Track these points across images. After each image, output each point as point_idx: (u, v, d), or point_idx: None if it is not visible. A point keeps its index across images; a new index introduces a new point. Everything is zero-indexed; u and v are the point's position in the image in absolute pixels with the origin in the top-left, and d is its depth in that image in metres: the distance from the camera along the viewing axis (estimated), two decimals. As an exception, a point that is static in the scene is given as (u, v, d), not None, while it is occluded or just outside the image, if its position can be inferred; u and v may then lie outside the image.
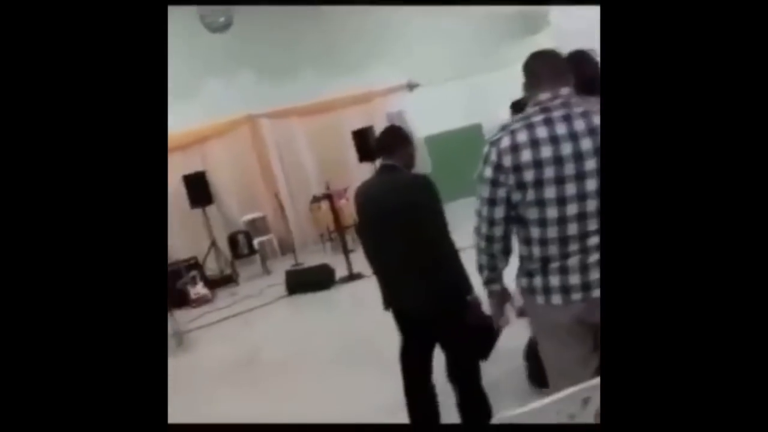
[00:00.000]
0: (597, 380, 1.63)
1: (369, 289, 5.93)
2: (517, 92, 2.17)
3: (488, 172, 1.88)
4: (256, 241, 8.32)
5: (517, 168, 1.82)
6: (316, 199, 7.24)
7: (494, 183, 1.88)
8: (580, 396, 1.63)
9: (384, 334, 4.14)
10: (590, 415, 1.63)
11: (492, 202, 1.90)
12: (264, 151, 8.97)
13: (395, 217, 2.35)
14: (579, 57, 2.40)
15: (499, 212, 1.91)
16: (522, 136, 1.83)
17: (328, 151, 9.16)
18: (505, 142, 1.85)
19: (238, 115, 8.72)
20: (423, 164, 9.11)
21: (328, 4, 8.16)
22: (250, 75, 8.70)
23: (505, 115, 3.35)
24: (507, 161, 1.83)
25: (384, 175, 2.49)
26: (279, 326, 5.52)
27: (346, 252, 6.57)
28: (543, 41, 7.64)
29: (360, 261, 6.43)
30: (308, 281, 6.37)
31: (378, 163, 2.58)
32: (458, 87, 9.25)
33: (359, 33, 8.95)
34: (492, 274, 2.04)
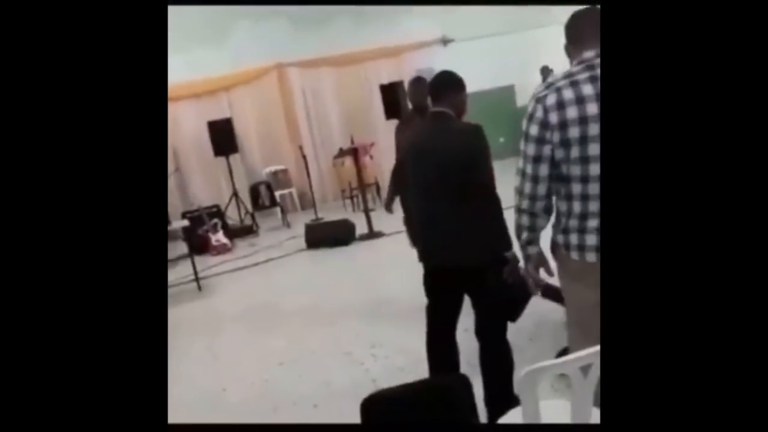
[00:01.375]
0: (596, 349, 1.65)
1: (389, 248, 5.99)
2: (551, 56, 2.16)
3: (534, 130, 1.93)
4: (277, 194, 8.40)
5: (563, 125, 1.88)
6: (340, 153, 7.22)
7: (540, 140, 1.93)
8: (578, 363, 1.65)
9: (402, 291, 4.25)
10: (591, 383, 1.66)
11: (537, 159, 1.95)
12: (290, 101, 8.96)
13: (448, 165, 2.35)
14: None
15: (544, 170, 1.96)
16: (568, 93, 1.88)
17: (355, 105, 9.11)
18: (552, 99, 1.90)
19: (266, 63, 8.68)
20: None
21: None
22: (280, 22, 8.59)
23: (536, 78, 3.31)
24: (553, 118, 1.88)
25: (436, 122, 2.47)
26: (297, 277, 5.62)
27: (367, 210, 6.60)
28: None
29: (380, 220, 6.52)
30: (328, 236, 6.43)
31: (430, 108, 2.55)
32: (493, 45, 9.04)
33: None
34: (532, 234, 2.10)
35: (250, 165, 8.82)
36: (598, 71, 1.88)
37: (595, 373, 1.58)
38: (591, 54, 1.92)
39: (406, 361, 3.19)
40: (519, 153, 1.99)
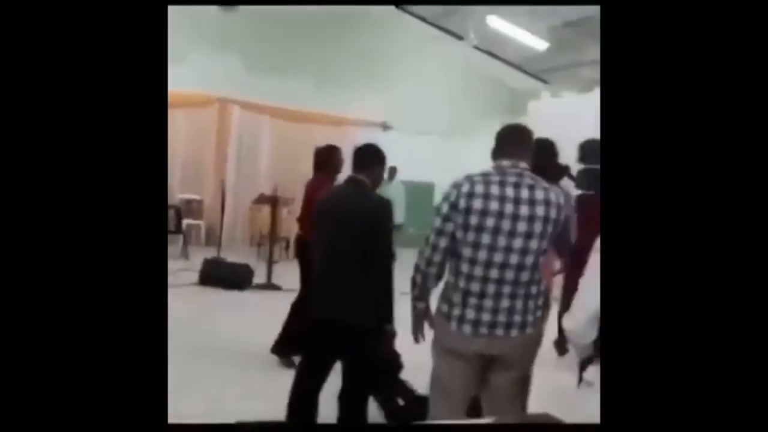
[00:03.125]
0: (478, 420, 1.73)
1: (282, 302, 5.88)
2: (479, 166, 2.40)
3: (445, 208, 2.22)
4: (184, 222, 8.12)
5: (468, 211, 2.16)
6: (260, 199, 7.15)
7: (446, 218, 2.22)
8: None
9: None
10: None
11: (440, 233, 2.23)
12: (225, 136, 8.87)
13: (354, 227, 2.49)
14: (540, 144, 2.91)
15: (443, 242, 2.24)
16: (479, 188, 2.18)
17: (286, 159, 9.14)
18: (465, 188, 2.19)
19: (212, 93, 8.63)
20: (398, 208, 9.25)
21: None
22: (238, 59, 8.65)
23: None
24: (462, 203, 2.17)
25: (352, 187, 2.61)
26: (181, 311, 5.35)
27: (271, 260, 6.50)
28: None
29: (281, 274, 6.42)
30: (224, 275, 6.25)
31: (347, 175, 2.69)
32: (427, 143, 9.52)
33: (355, 60, 9.13)
34: (422, 291, 2.36)
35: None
36: (507, 178, 2.20)
37: None
38: (507, 163, 2.23)
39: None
40: (421, 244, 2.27)
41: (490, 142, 2.43)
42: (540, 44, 8.06)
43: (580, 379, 2.12)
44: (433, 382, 2.37)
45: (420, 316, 2.39)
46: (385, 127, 9.66)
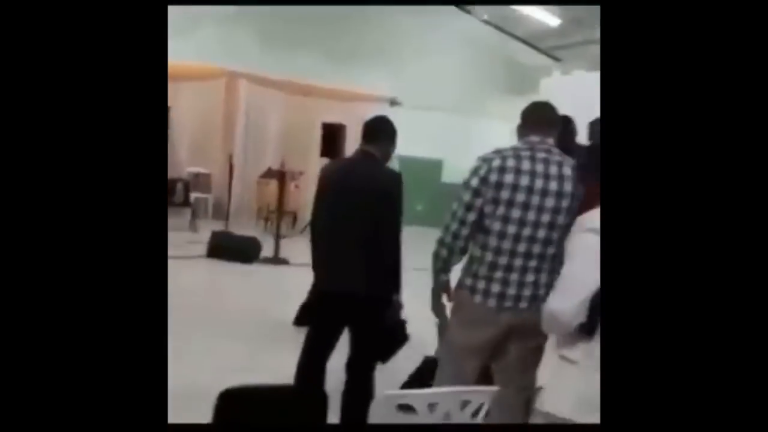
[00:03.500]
0: (479, 387, 1.75)
1: (289, 276, 5.92)
2: (488, 143, 2.38)
3: (474, 182, 2.21)
4: (192, 196, 8.13)
5: (499, 185, 2.17)
6: (268, 173, 7.13)
7: (476, 192, 2.21)
8: (459, 397, 1.74)
9: (287, 316, 4.18)
10: (466, 416, 1.74)
11: (469, 207, 2.22)
12: (233, 110, 8.83)
13: (364, 198, 2.47)
14: (563, 122, 2.94)
15: (471, 216, 2.23)
16: (510, 162, 2.18)
17: (294, 133, 9.09)
18: (496, 162, 2.19)
19: (220, 66, 8.56)
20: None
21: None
22: (248, 33, 8.56)
23: (465, 160, 3.56)
24: (493, 177, 2.17)
25: (362, 159, 2.58)
26: (190, 283, 5.41)
27: (278, 234, 6.52)
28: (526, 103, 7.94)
29: (288, 248, 6.45)
30: (232, 248, 6.26)
31: (358, 146, 2.64)
32: (435, 119, 9.45)
33: (365, 35, 9.02)
34: (445, 265, 2.35)
35: (174, 159, 8.50)
36: (537, 153, 2.20)
37: (440, 411, 1.68)
38: (536, 139, 2.24)
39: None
40: (431, 222, 2.21)
41: (501, 119, 2.42)
42: (552, 20, 7.92)
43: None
44: (444, 353, 2.40)
45: (442, 288, 2.40)
46: (393, 102, 9.57)
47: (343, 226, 2.54)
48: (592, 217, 1.67)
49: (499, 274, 2.22)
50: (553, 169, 2.19)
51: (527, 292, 2.23)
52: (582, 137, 4.53)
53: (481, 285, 2.26)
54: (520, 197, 2.16)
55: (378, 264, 2.50)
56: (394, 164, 8.75)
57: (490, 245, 2.22)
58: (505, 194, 2.16)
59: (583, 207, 2.55)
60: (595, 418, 1.61)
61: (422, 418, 1.68)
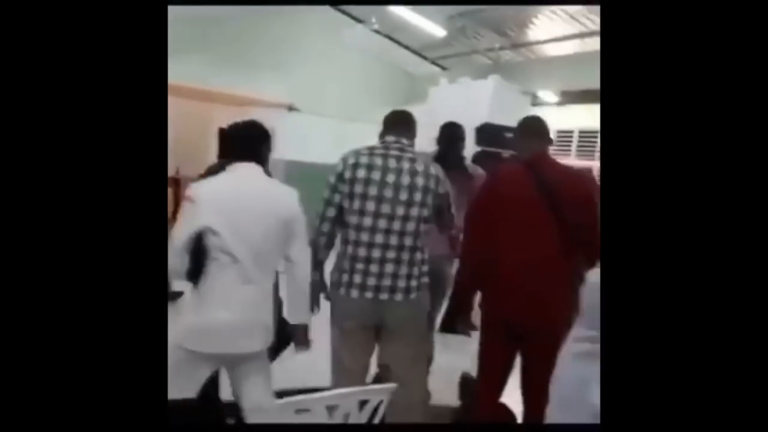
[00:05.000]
0: (375, 386, 1.74)
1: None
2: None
3: (332, 179, 2.33)
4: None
5: (352, 181, 2.28)
6: (160, 182, 6.73)
7: (333, 189, 2.32)
8: (356, 397, 1.73)
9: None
10: (365, 416, 1.73)
11: (328, 203, 2.34)
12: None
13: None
14: (450, 127, 3.38)
15: (331, 212, 2.35)
16: (364, 159, 2.31)
17: (189, 139, 8.70)
18: (351, 159, 2.32)
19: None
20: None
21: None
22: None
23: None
24: (348, 174, 2.30)
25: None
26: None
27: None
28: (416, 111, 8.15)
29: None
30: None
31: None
32: (332, 125, 9.43)
33: (258, 40, 8.80)
34: (314, 262, 2.38)
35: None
36: (390, 151, 2.34)
37: (340, 414, 1.66)
38: (391, 139, 2.40)
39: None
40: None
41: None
42: (438, 31, 8.19)
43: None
44: (332, 352, 2.44)
45: (316, 288, 2.43)
46: (291, 108, 9.43)
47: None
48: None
49: (359, 266, 2.30)
50: (405, 164, 2.30)
51: (386, 282, 2.30)
52: (469, 142, 4.72)
53: (345, 278, 2.33)
54: (373, 191, 2.26)
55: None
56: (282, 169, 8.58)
57: (350, 238, 2.31)
58: (358, 188, 2.27)
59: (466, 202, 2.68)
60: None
61: (322, 419, 1.67)
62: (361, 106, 9.32)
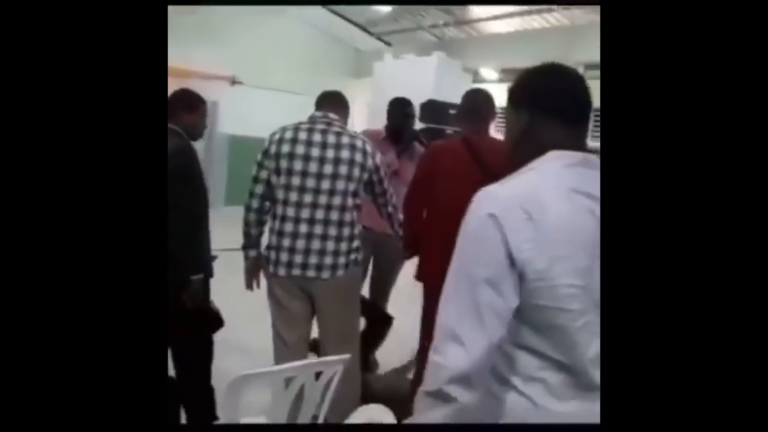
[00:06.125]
0: (332, 358, 1.76)
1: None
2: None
3: (259, 156, 2.29)
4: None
5: (278, 156, 2.24)
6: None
7: (260, 165, 2.29)
8: (313, 369, 1.74)
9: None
10: (320, 386, 1.74)
11: (256, 180, 2.29)
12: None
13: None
14: (399, 102, 3.36)
15: (259, 188, 2.31)
16: (288, 134, 2.26)
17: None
18: (276, 135, 2.27)
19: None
20: (220, 162, 8.80)
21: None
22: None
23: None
24: (272, 149, 2.25)
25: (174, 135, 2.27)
26: None
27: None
28: (362, 85, 8.09)
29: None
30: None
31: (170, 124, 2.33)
32: (275, 99, 9.21)
33: (201, 14, 8.41)
34: (247, 240, 2.39)
35: None
36: (316, 125, 2.28)
37: (296, 385, 1.67)
38: (318, 114, 2.34)
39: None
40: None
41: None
42: (384, 7, 8.08)
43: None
44: (271, 325, 2.41)
45: (250, 266, 2.41)
46: (234, 81, 9.13)
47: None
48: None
49: (286, 243, 2.24)
50: (331, 138, 2.25)
51: (313, 259, 2.24)
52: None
53: (273, 255, 2.28)
54: (298, 165, 2.21)
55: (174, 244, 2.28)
56: (224, 144, 8.32)
57: (278, 214, 2.26)
58: (283, 163, 2.22)
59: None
60: None
61: (280, 390, 1.67)
62: (307, 80, 9.12)
